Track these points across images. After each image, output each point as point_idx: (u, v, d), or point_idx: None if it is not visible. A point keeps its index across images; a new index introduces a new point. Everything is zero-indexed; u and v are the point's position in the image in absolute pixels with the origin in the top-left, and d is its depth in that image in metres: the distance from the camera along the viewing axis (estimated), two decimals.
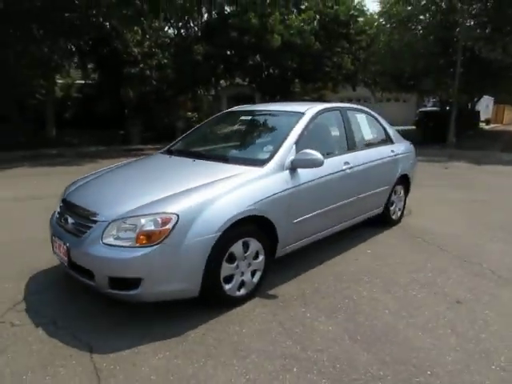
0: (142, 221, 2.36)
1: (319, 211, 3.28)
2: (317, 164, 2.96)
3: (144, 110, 15.57)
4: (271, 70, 18.12)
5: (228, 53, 16.43)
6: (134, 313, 2.64)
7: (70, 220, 2.67)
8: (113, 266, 2.36)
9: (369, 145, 4.15)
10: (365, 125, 4.17)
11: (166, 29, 18.44)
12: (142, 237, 2.32)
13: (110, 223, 2.41)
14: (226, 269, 2.61)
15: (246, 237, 2.69)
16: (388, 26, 16.13)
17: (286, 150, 3.05)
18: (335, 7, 16.63)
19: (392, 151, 4.37)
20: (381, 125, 4.45)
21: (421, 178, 7.75)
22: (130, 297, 2.42)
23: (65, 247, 2.58)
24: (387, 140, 4.48)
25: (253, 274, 2.84)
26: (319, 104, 3.82)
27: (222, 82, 21.62)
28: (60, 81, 21.74)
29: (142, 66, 12.68)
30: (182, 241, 2.36)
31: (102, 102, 16.80)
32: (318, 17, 17.07)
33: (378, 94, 24.16)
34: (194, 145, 3.84)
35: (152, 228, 2.34)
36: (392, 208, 4.57)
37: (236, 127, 4.10)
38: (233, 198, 2.63)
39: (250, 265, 2.78)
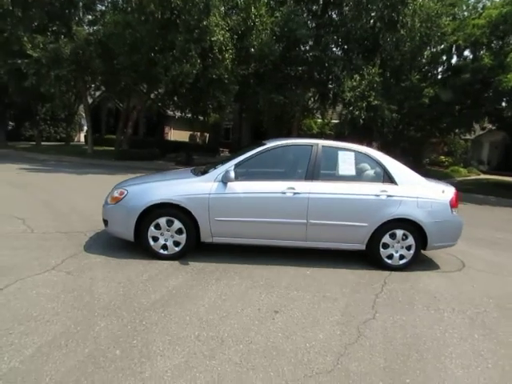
0: (115, 191, 4.43)
1: (245, 219, 4.25)
2: (229, 180, 4.12)
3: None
4: None
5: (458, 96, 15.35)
6: (125, 250, 4.65)
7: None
8: (103, 212, 4.54)
9: (343, 180, 4.43)
10: (346, 162, 4.46)
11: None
12: (112, 198, 4.39)
13: (113, 190, 4.61)
14: (152, 231, 4.26)
15: (169, 216, 4.23)
16: None
17: (223, 168, 4.30)
18: None
19: (383, 191, 4.36)
20: (379, 164, 4.49)
21: None
22: (107, 230, 4.53)
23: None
24: (384, 180, 4.46)
25: (177, 244, 4.30)
26: (294, 139, 4.72)
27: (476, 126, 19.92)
28: (319, 120, 26.45)
29: (351, 108, 14.32)
30: (126, 205, 4.26)
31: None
32: None
33: None
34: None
35: (115, 195, 4.37)
36: (384, 251, 4.45)
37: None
38: (167, 189, 4.27)
39: (173, 236, 4.27)
